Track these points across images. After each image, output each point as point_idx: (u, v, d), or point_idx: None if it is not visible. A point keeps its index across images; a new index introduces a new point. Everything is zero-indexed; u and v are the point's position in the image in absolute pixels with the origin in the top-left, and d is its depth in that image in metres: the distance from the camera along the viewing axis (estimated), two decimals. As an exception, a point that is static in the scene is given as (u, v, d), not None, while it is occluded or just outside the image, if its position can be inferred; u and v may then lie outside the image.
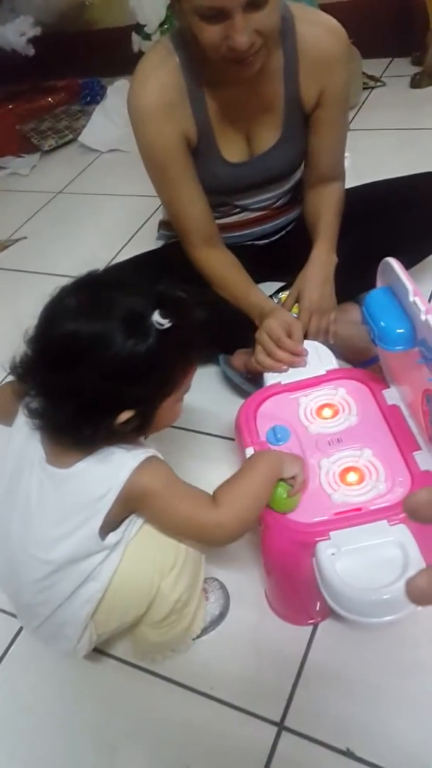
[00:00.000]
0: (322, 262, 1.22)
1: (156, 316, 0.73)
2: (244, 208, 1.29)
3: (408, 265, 1.06)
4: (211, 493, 0.83)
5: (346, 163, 1.62)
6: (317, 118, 1.18)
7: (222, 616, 0.96)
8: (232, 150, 1.18)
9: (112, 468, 0.78)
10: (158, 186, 1.21)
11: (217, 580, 0.98)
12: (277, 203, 1.31)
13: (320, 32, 1.10)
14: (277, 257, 1.38)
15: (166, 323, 0.73)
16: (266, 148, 1.19)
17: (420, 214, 1.26)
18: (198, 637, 0.94)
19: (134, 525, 0.82)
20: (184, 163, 1.16)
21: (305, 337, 1.13)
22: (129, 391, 0.75)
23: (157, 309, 0.73)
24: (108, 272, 0.81)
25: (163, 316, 0.73)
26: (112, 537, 0.80)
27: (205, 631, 0.94)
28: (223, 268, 1.24)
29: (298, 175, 1.30)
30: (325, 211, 1.25)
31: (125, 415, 0.76)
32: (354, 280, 1.14)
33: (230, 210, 1.29)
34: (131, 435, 0.80)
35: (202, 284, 1.24)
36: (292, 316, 1.16)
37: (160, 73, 1.10)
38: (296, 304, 1.21)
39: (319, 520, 0.82)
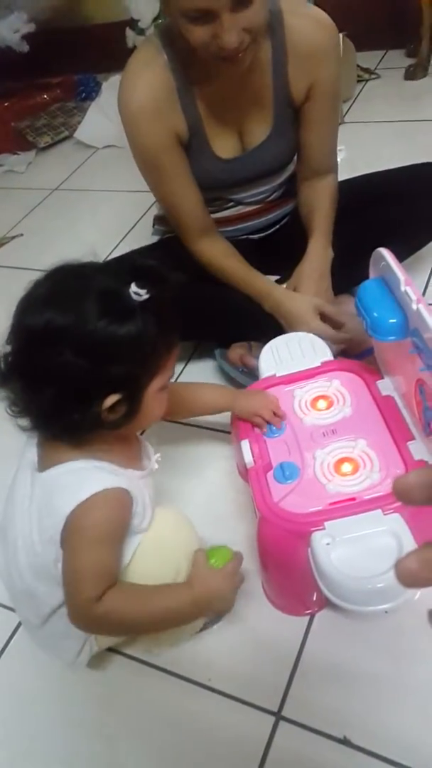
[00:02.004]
0: (318, 257, 1.23)
1: (134, 287, 0.72)
2: (239, 202, 1.30)
3: (402, 256, 1.07)
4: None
5: (341, 156, 1.62)
6: (307, 112, 1.18)
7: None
8: (224, 146, 1.19)
9: (77, 482, 0.76)
10: (152, 183, 1.21)
11: None
12: (271, 197, 1.32)
13: (309, 25, 1.10)
14: (273, 251, 1.38)
15: (144, 293, 0.72)
16: (258, 143, 1.19)
17: (413, 205, 1.26)
18: (199, 632, 0.93)
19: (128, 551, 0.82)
20: (177, 159, 1.16)
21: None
22: (112, 370, 0.73)
23: (133, 281, 0.72)
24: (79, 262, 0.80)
25: (141, 286, 0.72)
26: None
27: (204, 627, 0.93)
28: (223, 258, 1.25)
29: (291, 168, 1.31)
30: (320, 205, 1.26)
31: (111, 399, 0.74)
32: (349, 271, 1.15)
33: (224, 204, 1.29)
34: (121, 423, 0.78)
35: (201, 276, 1.24)
36: (310, 299, 1.19)
37: (148, 72, 1.10)
38: None
39: (314, 511, 0.82)
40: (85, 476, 0.76)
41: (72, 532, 0.75)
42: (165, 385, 0.81)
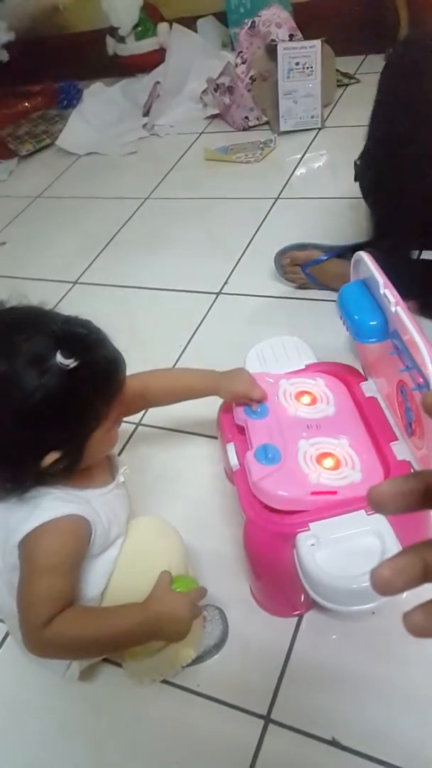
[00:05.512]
0: None
1: (59, 357, 0.69)
2: None
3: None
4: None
5: (323, 161, 1.63)
6: None
7: (217, 647, 0.91)
8: None
9: (27, 510, 0.76)
10: None
11: (218, 609, 0.94)
12: None
13: None
14: None
15: (71, 363, 0.70)
16: None
17: None
18: (189, 665, 0.90)
19: (105, 573, 0.82)
20: None
21: None
22: (48, 434, 0.72)
23: (57, 350, 0.69)
24: (8, 311, 0.77)
25: (66, 356, 0.69)
26: None
27: (198, 659, 0.90)
28: None
29: None
30: None
31: (51, 457, 0.73)
32: None
33: None
34: (67, 473, 0.78)
35: None
36: None
37: None
38: None
39: (297, 500, 0.83)
40: (36, 504, 0.76)
41: (23, 560, 0.75)
42: (112, 426, 0.80)
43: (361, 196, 1.37)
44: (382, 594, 0.32)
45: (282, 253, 1.46)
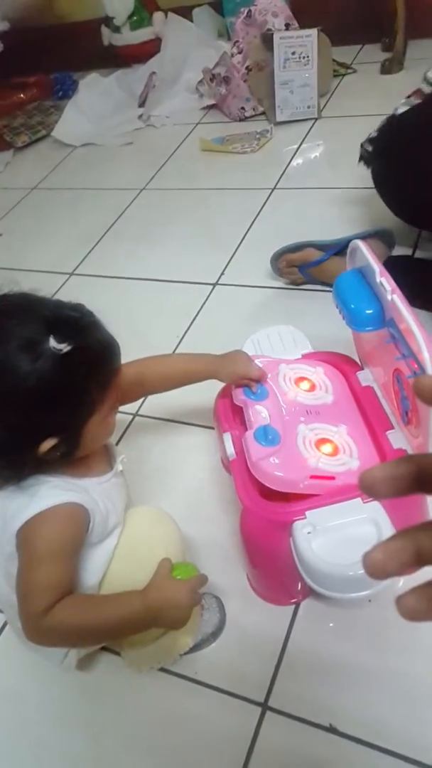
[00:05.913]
0: None
1: (52, 342, 0.69)
2: None
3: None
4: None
5: (319, 151, 1.62)
6: None
7: (215, 635, 0.92)
8: None
9: (26, 498, 0.76)
10: None
11: (215, 597, 0.95)
12: None
13: None
14: None
15: (64, 347, 0.70)
16: None
17: None
18: (186, 653, 0.90)
19: (105, 552, 0.82)
20: None
21: None
22: (44, 420, 0.72)
23: (50, 334, 0.69)
24: (0, 298, 0.76)
25: (59, 340, 0.69)
26: None
27: (196, 648, 0.91)
28: None
29: None
30: None
31: (48, 444, 0.73)
32: None
33: None
34: (64, 461, 0.78)
35: None
36: None
37: None
38: None
39: (295, 502, 0.83)
40: (34, 492, 0.76)
41: (22, 548, 0.75)
42: (108, 413, 0.81)
43: (358, 186, 1.37)
44: (376, 578, 0.32)
45: (277, 257, 1.44)
